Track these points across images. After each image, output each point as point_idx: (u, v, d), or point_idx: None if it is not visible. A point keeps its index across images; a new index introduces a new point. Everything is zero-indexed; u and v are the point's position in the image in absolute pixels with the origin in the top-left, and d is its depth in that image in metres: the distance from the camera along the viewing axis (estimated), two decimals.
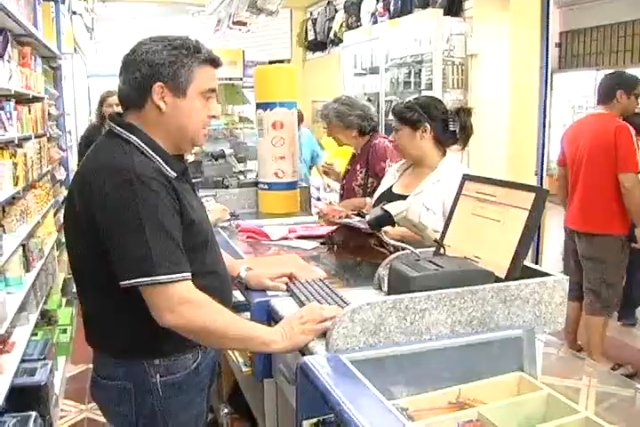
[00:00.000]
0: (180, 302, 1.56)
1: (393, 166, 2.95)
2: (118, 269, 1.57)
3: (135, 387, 1.73)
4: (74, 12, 6.16)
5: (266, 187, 3.84)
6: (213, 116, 1.77)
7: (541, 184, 4.66)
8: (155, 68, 1.64)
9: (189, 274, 1.60)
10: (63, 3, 5.30)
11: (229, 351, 2.42)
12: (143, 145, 1.67)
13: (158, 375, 1.73)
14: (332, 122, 3.48)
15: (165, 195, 1.60)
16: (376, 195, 2.87)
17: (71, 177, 5.52)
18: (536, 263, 4.63)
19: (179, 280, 1.56)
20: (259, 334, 1.65)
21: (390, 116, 2.76)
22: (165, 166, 1.67)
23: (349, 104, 3.47)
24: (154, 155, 1.67)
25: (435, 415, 1.41)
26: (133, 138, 1.67)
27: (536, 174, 4.90)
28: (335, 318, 1.56)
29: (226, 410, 3.00)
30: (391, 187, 2.80)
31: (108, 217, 1.57)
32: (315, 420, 1.53)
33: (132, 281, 1.55)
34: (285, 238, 3.01)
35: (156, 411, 1.74)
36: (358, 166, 3.53)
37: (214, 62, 1.74)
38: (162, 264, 1.54)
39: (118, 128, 1.70)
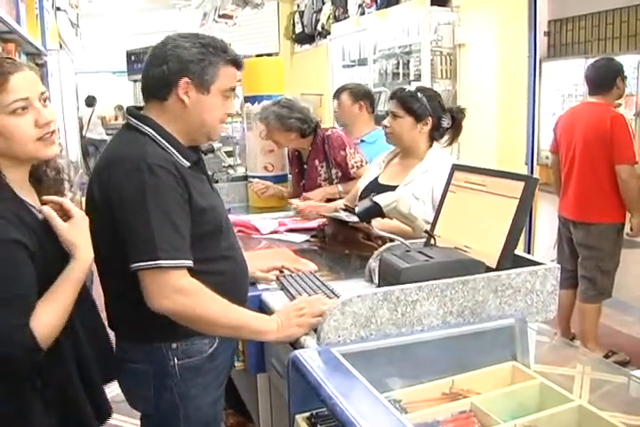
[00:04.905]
0: (175, 288, 1.60)
1: (378, 157, 2.94)
2: (128, 253, 1.62)
3: (155, 370, 1.78)
4: (58, 8, 6.10)
5: (255, 181, 3.82)
6: (230, 114, 1.86)
7: (532, 173, 4.65)
8: (183, 64, 1.71)
9: (190, 262, 1.65)
10: None
11: None
12: (157, 136, 1.74)
13: (176, 359, 1.77)
14: (272, 124, 3.42)
15: (173, 183, 1.66)
16: (362, 186, 2.85)
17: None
18: (528, 252, 4.63)
19: (178, 267, 1.62)
20: (252, 323, 1.69)
21: (380, 107, 2.74)
22: (179, 156, 1.74)
23: (289, 107, 3.41)
24: (167, 145, 1.74)
25: (428, 407, 1.41)
26: (148, 129, 1.74)
27: (526, 164, 4.89)
28: (326, 311, 1.55)
29: None
30: (377, 178, 2.79)
31: (119, 203, 1.64)
32: (307, 414, 1.53)
33: (135, 265, 1.60)
34: (276, 232, 3.00)
35: (174, 394, 1.79)
36: (316, 162, 3.51)
37: (237, 63, 1.82)
38: (164, 249, 1.59)
39: (134, 120, 1.78)
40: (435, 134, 2.68)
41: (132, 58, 6.29)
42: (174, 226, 1.63)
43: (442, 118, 2.65)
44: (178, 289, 1.61)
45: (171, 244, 1.61)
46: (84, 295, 1.65)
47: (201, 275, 1.66)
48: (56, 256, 1.55)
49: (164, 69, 1.72)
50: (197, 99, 1.74)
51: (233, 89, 1.83)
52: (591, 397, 1.46)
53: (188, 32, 1.81)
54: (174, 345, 1.77)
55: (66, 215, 1.61)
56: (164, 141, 1.74)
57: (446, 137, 2.73)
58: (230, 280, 1.75)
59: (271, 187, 3.75)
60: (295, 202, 2.85)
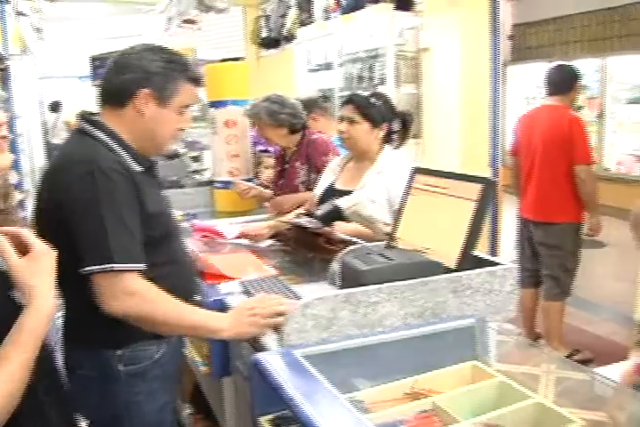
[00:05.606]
0: (127, 291, 1.62)
1: (332, 162, 2.97)
2: (79, 257, 1.62)
3: (99, 376, 1.78)
4: (20, 13, 6.04)
5: (220, 185, 3.81)
6: (182, 129, 1.89)
7: (496, 176, 4.70)
8: (146, 75, 1.76)
9: (142, 266, 1.66)
10: (8, 3, 5.20)
11: (187, 351, 2.41)
12: (109, 141, 1.76)
13: (121, 365, 1.77)
14: (263, 120, 3.44)
15: (125, 186, 1.67)
16: (318, 192, 2.87)
17: (24, 181, 5.43)
18: (493, 253, 4.68)
19: (131, 270, 1.63)
20: (205, 322, 1.71)
21: None
22: (131, 161, 1.76)
23: (280, 102, 3.44)
24: (120, 150, 1.76)
25: (391, 407, 1.41)
26: (100, 134, 1.76)
27: (490, 166, 4.94)
28: (288, 314, 1.56)
29: (188, 410, 2.99)
30: (333, 183, 2.82)
31: (70, 207, 1.64)
32: (272, 416, 1.54)
33: (89, 268, 1.60)
34: (240, 237, 2.99)
35: (120, 401, 1.79)
36: (298, 163, 3.52)
37: (198, 82, 1.88)
38: (118, 252, 1.61)
39: (86, 125, 1.79)
40: (387, 138, 2.72)
41: (97, 63, 6.22)
42: (128, 229, 1.65)
43: (393, 122, 2.70)
44: (130, 292, 1.62)
45: (124, 247, 1.63)
46: (47, 354, 1.35)
47: (150, 279, 1.67)
48: (10, 310, 1.21)
49: (127, 78, 1.75)
50: (154, 111, 1.78)
51: (189, 106, 1.87)
52: (552, 394, 1.48)
53: (155, 45, 1.85)
54: (120, 351, 1.77)
55: (25, 250, 1.26)
56: (116, 146, 1.76)
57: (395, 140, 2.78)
58: (178, 284, 1.77)
59: (254, 188, 3.75)
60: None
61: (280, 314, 1.66)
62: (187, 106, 1.86)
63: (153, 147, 1.87)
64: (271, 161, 4.06)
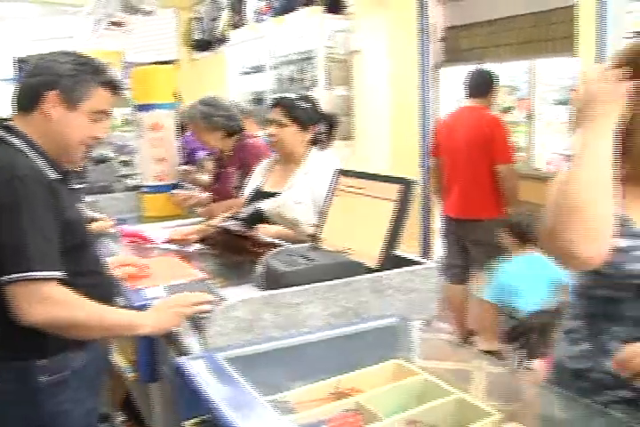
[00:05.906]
0: (43, 298, 1.59)
1: (260, 165, 2.97)
2: None
3: (22, 388, 1.73)
4: None
5: (148, 190, 3.76)
6: (97, 138, 1.84)
7: (426, 176, 4.78)
8: (55, 77, 1.72)
9: (61, 274, 1.63)
10: None
11: (114, 357, 2.37)
12: (22, 146, 1.71)
13: (44, 376, 1.74)
14: (199, 124, 3.43)
15: (43, 193, 1.65)
16: (246, 195, 2.87)
17: None
18: (425, 252, 4.76)
19: (50, 278, 1.60)
20: (125, 320, 1.72)
21: None
22: (47, 167, 1.72)
23: (214, 105, 3.42)
24: (34, 156, 1.71)
25: (316, 407, 1.43)
26: (12, 139, 1.72)
27: (420, 167, 5.02)
28: (209, 317, 1.57)
29: (121, 418, 2.95)
30: (260, 186, 2.82)
31: None
32: (195, 420, 1.53)
33: (7, 277, 1.57)
34: (169, 242, 2.96)
35: (45, 411, 1.75)
36: (231, 168, 3.49)
37: (114, 87, 1.83)
38: (37, 260, 1.59)
39: None
40: (313, 140, 2.74)
41: (22, 65, 6.07)
42: (47, 237, 1.63)
43: (319, 124, 2.73)
44: (47, 299, 1.59)
45: (43, 254, 1.60)
46: None
47: (72, 286, 1.65)
48: None
49: (36, 81, 1.73)
50: (62, 114, 1.75)
51: (104, 112, 1.83)
52: (476, 389, 1.51)
53: (74, 51, 1.83)
54: (42, 362, 1.74)
55: None
56: (31, 152, 1.72)
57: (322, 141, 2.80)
58: (95, 293, 1.73)
59: (193, 196, 3.70)
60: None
61: (198, 304, 1.70)
62: (102, 112, 1.82)
63: (63, 152, 1.81)
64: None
